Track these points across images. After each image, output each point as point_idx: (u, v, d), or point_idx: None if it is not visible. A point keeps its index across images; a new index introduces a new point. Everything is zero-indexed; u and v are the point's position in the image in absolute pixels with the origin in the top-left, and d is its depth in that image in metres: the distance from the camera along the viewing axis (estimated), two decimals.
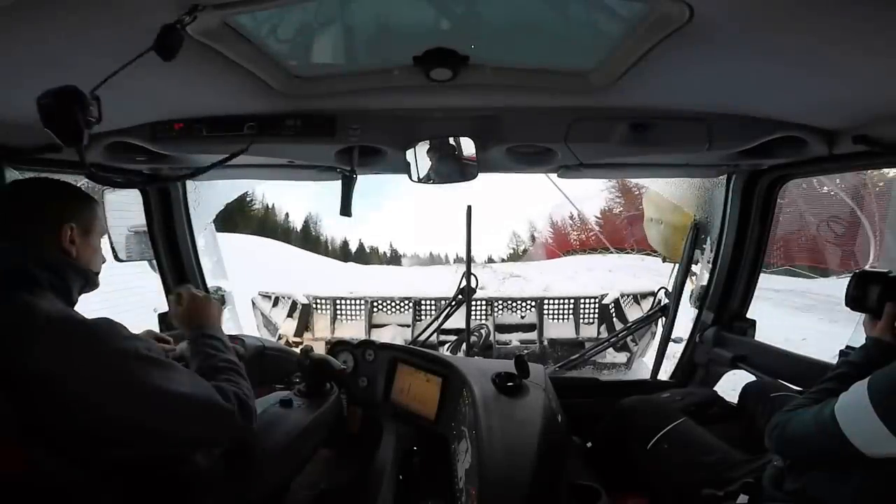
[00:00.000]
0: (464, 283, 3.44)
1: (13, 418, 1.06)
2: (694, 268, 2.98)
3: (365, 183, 2.18)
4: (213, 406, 1.25)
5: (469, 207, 3.47)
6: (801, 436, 1.36)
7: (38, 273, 1.20)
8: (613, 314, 6.09)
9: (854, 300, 1.61)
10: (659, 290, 3.34)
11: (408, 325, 6.03)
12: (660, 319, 3.28)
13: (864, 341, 1.55)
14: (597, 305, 6.11)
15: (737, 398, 2.25)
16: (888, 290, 1.53)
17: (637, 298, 6.24)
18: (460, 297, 3.55)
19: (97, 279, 1.40)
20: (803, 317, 9.35)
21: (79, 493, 1.14)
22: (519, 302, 6.15)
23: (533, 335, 5.94)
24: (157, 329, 2.57)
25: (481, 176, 1.98)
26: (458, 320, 3.90)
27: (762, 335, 2.58)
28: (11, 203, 1.29)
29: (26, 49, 1.14)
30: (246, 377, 1.45)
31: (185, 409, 1.22)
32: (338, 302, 6.27)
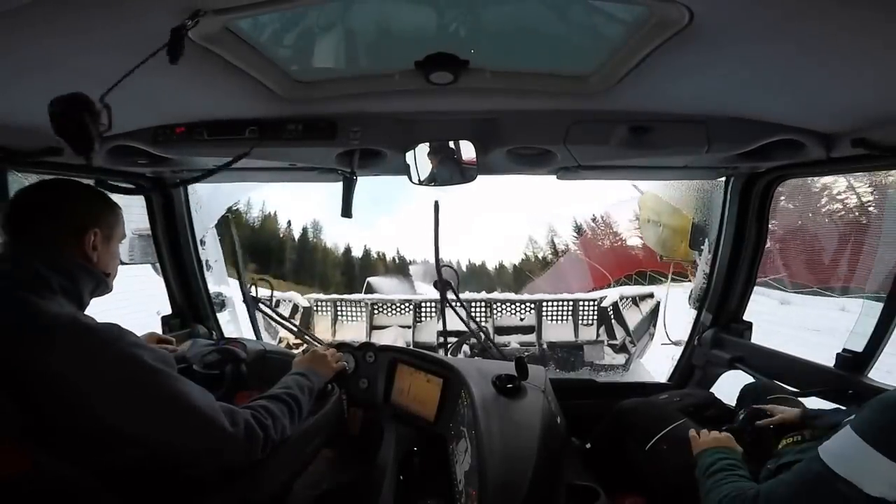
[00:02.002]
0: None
1: (19, 419, 1.07)
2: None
3: (378, 188, 2.19)
4: (209, 423, 1.23)
5: (436, 203, 3.45)
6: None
7: (51, 276, 1.21)
8: (612, 316, 6.09)
9: None
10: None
11: (409, 327, 6.04)
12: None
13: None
14: (595, 308, 6.12)
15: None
16: None
17: (636, 300, 6.25)
18: (451, 296, 3.53)
19: (110, 283, 1.41)
20: None
21: (81, 494, 1.15)
22: (518, 304, 6.16)
23: (532, 337, 5.94)
24: (160, 331, 2.60)
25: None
26: (457, 322, 3.90)
27: None
28: (36, 203, 1.29)
29: (29, 53, 1.15)
30: (296, 415, 1.50)
31: (180, 421, 1.20)
32: (339, 304, 6.28)
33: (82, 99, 1.07)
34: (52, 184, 1.37)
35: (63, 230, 1.28)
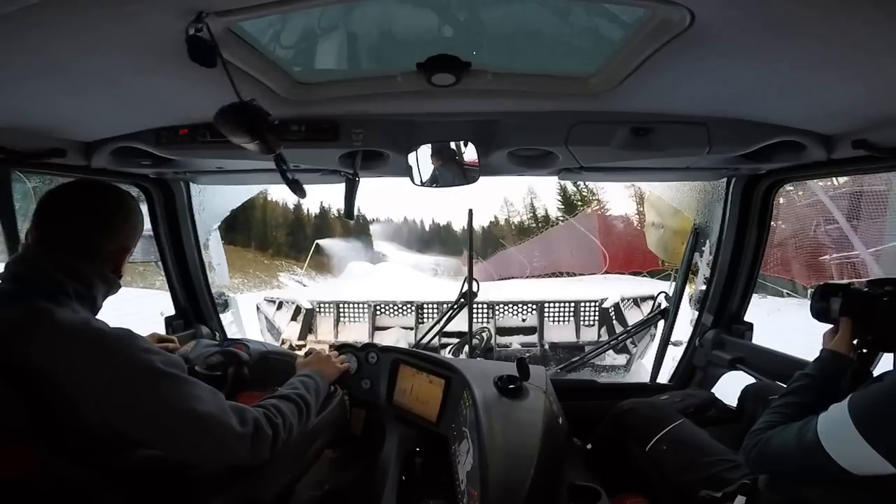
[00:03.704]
0: (466, 287, 3.46)
1: (29, 420, 1.08)
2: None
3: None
4: (219, 425, 1.22)
5: (470, 211, 3.48)
6: (784, 456, 1.35)
7: (67, 283, 1.22)
8: (613, 317, 6.09)
9: (818, 312, 1.64)
10: (659, 293, 3.35)
11: (411, 328, 6.06)
12: (659, 322, 3.29)
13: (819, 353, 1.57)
14: (597, 309, 6.12)
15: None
16: (846, 302, 1.55)
17: (637, 302, 6.25)
18: (462, 300, 3.56)
19: (119, 284, 1.41)
20: None
21: (88, 494, 1.16)
22: (520, 305, 6.17)
23: (533, 338, 5.95)
24: (162, 331, 2.61)
25: None
26: (459, 323, 3.91)
27: None
28: (83, 213, 1.30)
29: (32, 55, 1.15)
30: (304, 416, 1.51)
31: (190, 424, 1.20)
32: (341, 306, 6.30)
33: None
34: (101, 191, 1.37)
35: (105, 246, 1.31)
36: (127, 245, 1.37)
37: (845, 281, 1.62)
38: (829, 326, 1.62)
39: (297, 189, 1.65)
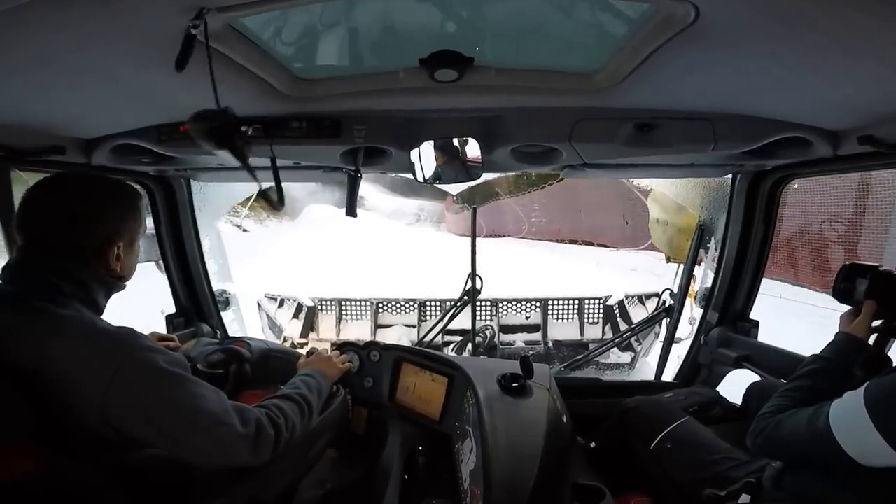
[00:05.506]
0: (469, 284, 3.46)
1: (33, 420, 1.07)
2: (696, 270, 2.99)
3: None
4: (221, 425, 1.22)
5: (474, 209, 3.48)
6: (793, 442, 1.34)
7: (63, 285, 1.21)
8: (618, 315, 6.08)
9: (842, 293, 1.62)
10: (663, 291, 3.34)
11: (414, 326, 6.05)
12: (664, 320, 3.28)
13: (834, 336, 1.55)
14: (601, 306, 6.11)
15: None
16: (874, 284, 1.53)
17: (642, 299, 6.22)
18: (466, 298, 3.56)
19: (122, 283, 1.39)
20: None
21: (88, 494, 1.15)
22: (524, 303, 6.16)
23: (537, 336, 5.94)
24: (164, 330, 2.61)
25: None
26: (462, 321, 3.90)
27: None
28: (57, 210, 1.26)
29: (29, 51, 1.14)
30: (307, 415, 1.50)
31: (193, 424, 1.20)
32: (343, 303, 6.29)
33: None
34: (72, 186, 1.33)
35: (86, 244, 1.27)
36: (113, 237, 1.30)
37: (873, 263, 1.60)
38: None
39: (280, 201, 1.62)
